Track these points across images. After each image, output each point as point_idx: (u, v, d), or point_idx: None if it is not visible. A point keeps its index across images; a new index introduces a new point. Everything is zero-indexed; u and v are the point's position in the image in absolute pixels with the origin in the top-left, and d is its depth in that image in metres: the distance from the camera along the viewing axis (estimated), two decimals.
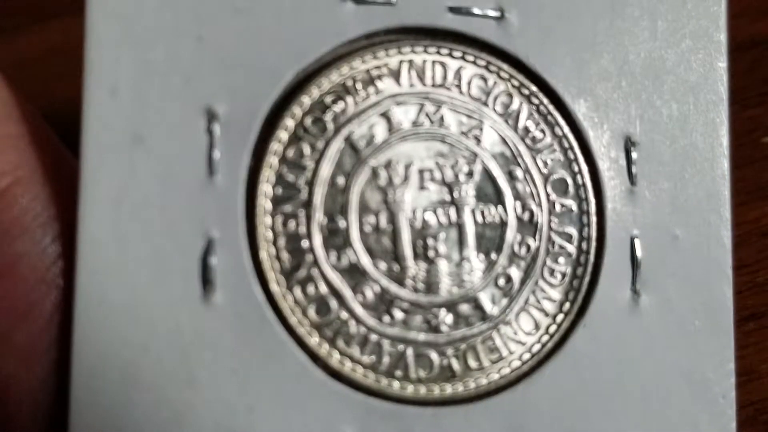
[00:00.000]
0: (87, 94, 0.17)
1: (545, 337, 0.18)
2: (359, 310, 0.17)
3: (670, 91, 0.19)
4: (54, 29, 0.24)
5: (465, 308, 0.18)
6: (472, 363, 0.18)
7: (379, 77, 0.18)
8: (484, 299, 0.18)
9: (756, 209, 0.25)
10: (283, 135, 0.17)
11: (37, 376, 0.17)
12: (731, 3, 0.24)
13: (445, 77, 0.18)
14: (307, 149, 0.18)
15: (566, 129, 0.19)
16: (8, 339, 0.17)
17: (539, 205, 0.18)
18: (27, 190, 0.17)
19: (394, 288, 0.17)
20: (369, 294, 0.17)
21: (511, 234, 0.18)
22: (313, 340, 0.17)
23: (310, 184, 0.17)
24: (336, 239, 0.17)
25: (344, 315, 0.17)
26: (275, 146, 0.17)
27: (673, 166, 0.19)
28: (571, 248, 0.18)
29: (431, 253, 0.18)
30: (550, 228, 0.18)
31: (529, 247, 0.18)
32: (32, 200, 0.17)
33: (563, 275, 0.18)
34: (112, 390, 0.16)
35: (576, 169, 0.19)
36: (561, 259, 0.18)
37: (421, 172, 0.18)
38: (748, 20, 0.26)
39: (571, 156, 0.19)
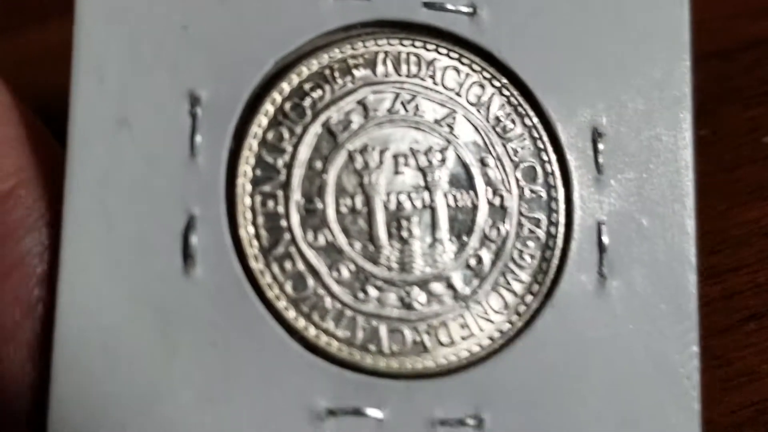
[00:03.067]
0: (75, 80, 0.18)
1: (514, 317, 0.19)
2: (335, 287, 0.18)
3: (637, 86, 0.20)
4: (54, 29, 0.25)
5: (437, 287, 0.18)
6: (444, 339, 0.18)
7: (356, 67, 0.19)
8: (456, 279, 0.19)
9: (756, 209, 0.25)
10: (263, 120, 0.18)
11: (42, 372, 0.17)
12: (731, 3, 0.25)
13: (419, 68, 0.19)
14: (286, 133, 0.18)
15: (536, 120, 0.20)
16: (14, 336, 0.17)
17: (509, 191, 0.19)
18: (31, 191, 0.18)
19: (368, 266, 0.18)
20: (344, 272, 0.18)
21: (482, 218, 0.19)
22: (290, 314, 0.18)
23: (289, 166, 0.18)
24: (313, 219, 0.18)
25: (320, 291, 0.18)
26: (255, 130, 0.18)
27: (638, 157, 0.20)
28: (540, 233, 0.19)
29: (405, 234, 0.18)
30: (520, 213, 0.19)
31: (499, 231, 0.19)
32: (36, 201, 0.18)
33: (532, 258, 0.19)
34: (93, 361, 0.17)
35: (545, 158, 0.19)
36: (530, 243, 0.19)
37: (395, 157, 0.19)
38: (748, 20, 0.26)
39: (541, 146, 0.19)
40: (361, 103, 0.19)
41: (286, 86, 0.19)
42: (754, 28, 0.27)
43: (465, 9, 0.19)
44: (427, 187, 0.19)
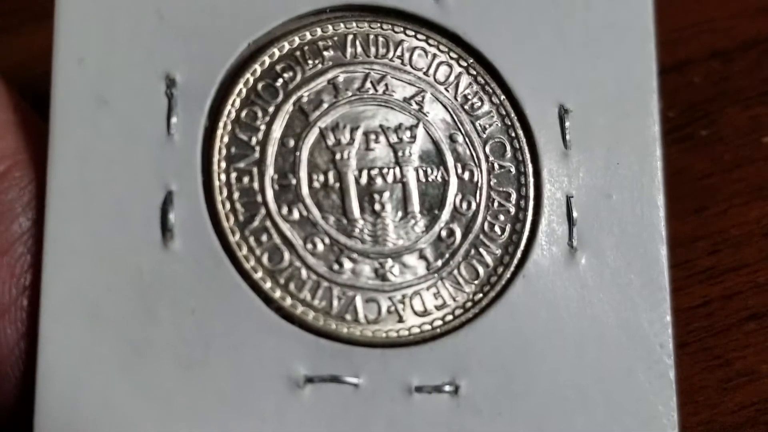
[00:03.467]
0: (56, 62, 0.18)
1: (486, 287, 0.19)
2: (310, 259, 0.19)
3: (603, 65, 0.21)
4: (52, 29, 0.25)
5: (410, 259, 0.19)
6: (418, 308, 0.19)
7: (326, 48, 0.20)
8: (428, 251, 0.19)
9: (757, 209, 0.25)
10: (236, 100, 0.19)
11: (33, 348, 0.18)
12: (731, 3, 0.25)
13: (388, 49, 0.20)
14: (259, 112, 0.19)
15: (503, 98, 0.20)
16: (8, 311, 0.18)
17: (478, 166, 0.20)
18: (25, 172, 0.19)
19: (343, 239, 0.19)
20: (319, 244, 0.19)
21: (453, 192, 0.19)
22: (267, 285, 0.18)
23: (262, 143, 0.19)
24: (287, 194, 0.19)
25: (296, 263, 0.18)
26: (229, 109, 0.19)
27: (606, 133, 0.20)
28: (510, 206, 0.20)
29: (377, 208, 0.19)
30: (489, 187, 0.20)
31: (470, 204, 0.19)
32: (30, 182, 0.19)
33: (503, 230, 0.20)
34: (78, 327, 0.17)
35: (513, 134, 0.20)
36: (501, 216, 0.20)
37: (366, 134, 0.19)
38: (748, 19, 0.26)
39: (508, 122, 0.20)
40: (332, 82, 0.19)
41: (258, 68, 0.19)
42: (754, 28, 0.27)
43: None
44: (397, 163, 0.19)
